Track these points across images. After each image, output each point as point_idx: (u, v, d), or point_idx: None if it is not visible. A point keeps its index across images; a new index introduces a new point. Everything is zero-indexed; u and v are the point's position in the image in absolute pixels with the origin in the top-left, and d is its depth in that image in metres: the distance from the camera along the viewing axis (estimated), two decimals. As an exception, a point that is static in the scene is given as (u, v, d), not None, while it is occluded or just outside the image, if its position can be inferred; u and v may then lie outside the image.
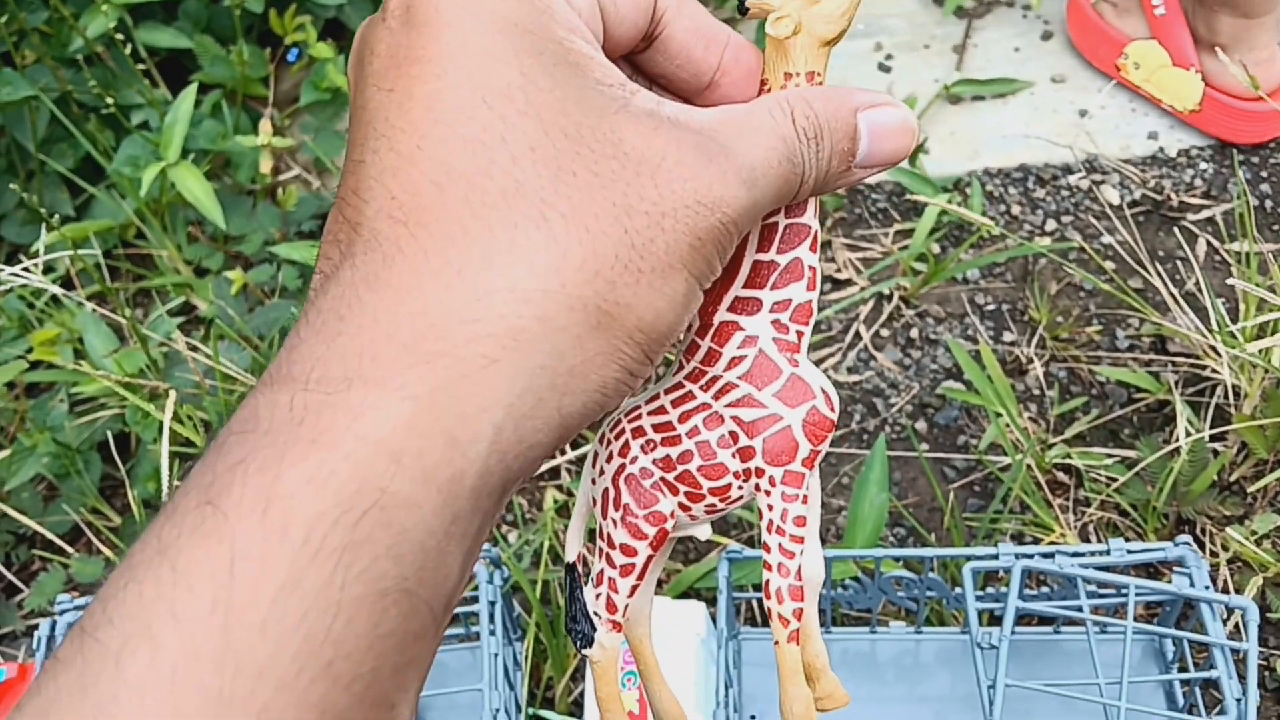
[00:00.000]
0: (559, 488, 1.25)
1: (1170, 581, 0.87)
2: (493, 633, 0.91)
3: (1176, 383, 1.22)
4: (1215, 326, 1.18)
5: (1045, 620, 1.03)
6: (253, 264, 1.44)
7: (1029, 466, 1.16)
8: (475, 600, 0.94)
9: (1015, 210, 1.42)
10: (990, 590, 0.98)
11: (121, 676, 0.27)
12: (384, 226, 0.32)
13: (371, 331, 0.31)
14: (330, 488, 0.29)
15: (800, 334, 0.39)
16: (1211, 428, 1.16)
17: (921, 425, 1.27)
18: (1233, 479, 1.15)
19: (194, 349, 1.20)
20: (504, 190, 0.32)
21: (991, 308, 1.35)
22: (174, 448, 1.16)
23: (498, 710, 0.87)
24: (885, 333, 1.36)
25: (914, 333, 1.35)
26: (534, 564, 1.16)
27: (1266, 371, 1.11)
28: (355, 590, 0.29)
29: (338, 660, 0.28)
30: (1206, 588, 0.85)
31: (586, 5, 0.35)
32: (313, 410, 0.30)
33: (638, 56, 0.39)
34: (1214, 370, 1.19)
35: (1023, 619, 1.04)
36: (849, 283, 1.40)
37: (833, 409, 0.38)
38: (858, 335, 1.35)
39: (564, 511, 1.23)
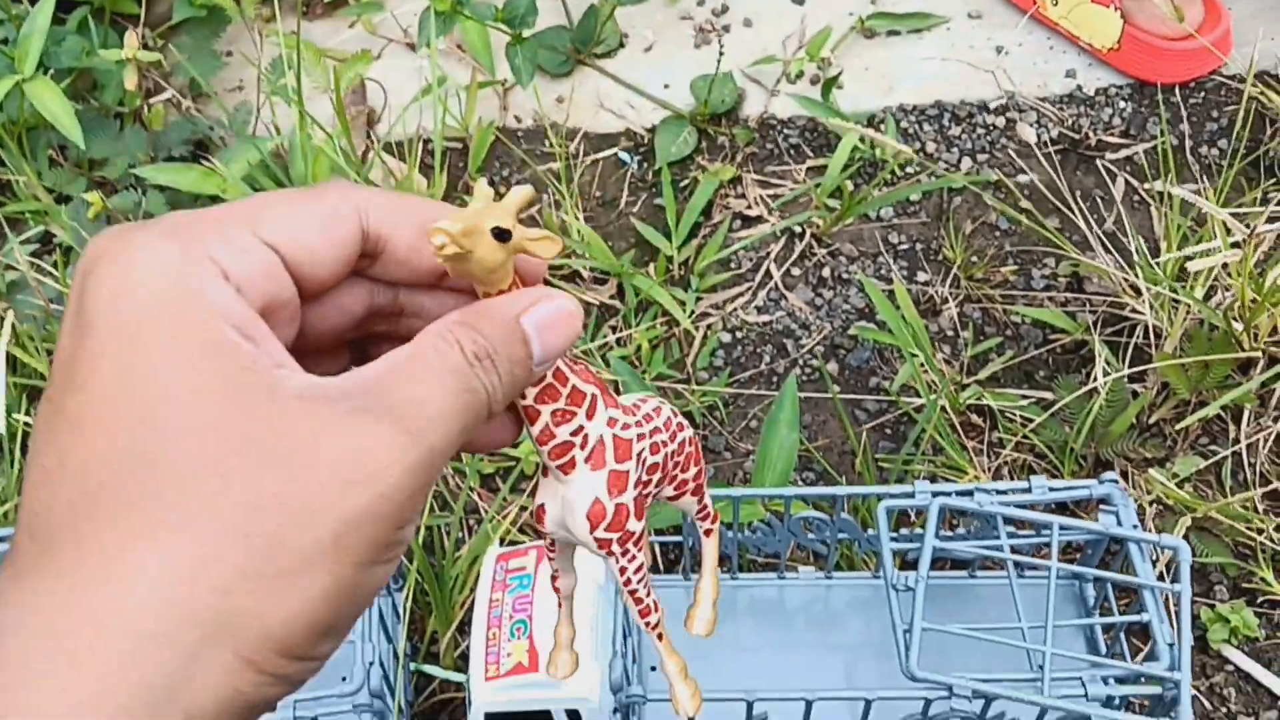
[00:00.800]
0: (449, 431, 1.17)
1: (1096, 522, 0.82)
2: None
3: (1094, 323, 1.18)
4: (1136, 262, 1.14)
5: (960, 565, 0.98)
6: (117, 189, 1.32)
7: (942, 408, 1.11)
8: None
9: (930, 148, 1.37)
10: (904, 532, 0.92)
11: None
12: (23, 541, 0.33)
13: None
14: None
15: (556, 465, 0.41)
16: (1130, 368, 1.12)
17: (833, 367, 1.21)
18: (1152, 421, 1.11)
19: (42, 272, 1.09)
20: (124, 508, 0.32)
21: (905, 247, 1.30)
22: (18, 379, 1.05)
23: (371, 663, 0.78)
24: (796, 272, 1.29)
25: (826, 272, 1.29)
26: (419, 510, 1.07)
27: (1189, 309, 1.07)
28: None
29: None
30: (1135, 526, 0.80)
31: (257, 268, 0.35)
32: None
33: (366, 271, 0.39)
34: (1133, 310, 1.15)
35: (937, 563, 0.99)
36: (760, 220, 1.33)
37: (540, 521, 0.43)
38: (768, 274, 1.29)
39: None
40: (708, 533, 0.51)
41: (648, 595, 0.46)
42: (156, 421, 0.32)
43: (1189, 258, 1.02)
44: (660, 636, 0.48)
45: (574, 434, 0.41)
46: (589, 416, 0.41)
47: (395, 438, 0.33)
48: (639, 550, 0.44)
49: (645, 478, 0.44)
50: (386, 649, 0.88)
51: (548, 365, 0.38)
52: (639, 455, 0.43)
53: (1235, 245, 0.95)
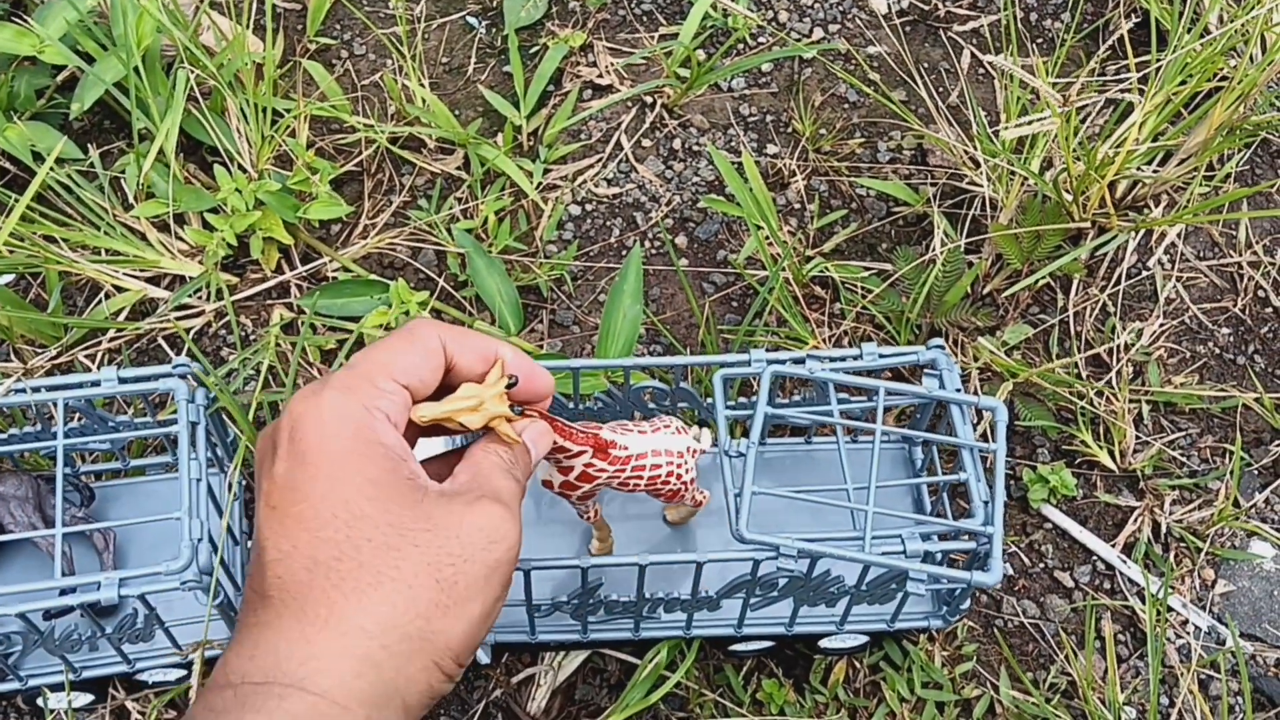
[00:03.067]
0: (288, 305, 1.14)
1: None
2: (194, 457, 0.80)
3: (935, 195, 1.20)
4: (975, 135, 1.15)
5: (799, 432, 1.00)
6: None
7: (786, 280, 1.12)
8: (175, 422, 0.82)
9: (783, 17, 1.35)
10: (743, 400, 0.94)
11: None
12: (275, 594, 0.52)
13: (275, 655, 0.50)
14: None
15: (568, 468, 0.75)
16: (967, 239, 1.14)
17: (682, 239, 1.21)
18: (986, 291, 1.14)
19: None
20: (351, 569, 0.52)
21: (756, 119, 1.29)
22: None
23: (200, 540, 0.77)
24: (647, 143, 1.27)
25: (676, 144, 1.27)
26: (255, 384, 1.05)
27: (1025, 181, 1.10)
28: None
29: None
30: (958, 390, 0.83)
31: (400, 405, 0.57)
32: (250, 697, 0.49)
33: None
34: (972, 182, 1.17)
35: (778, 430, 1.01)
36: (611, 89, 1.30)
37: (549, 487, 0.78)
38: (619, 145, 1.27)
39: (291, 329, 1.11)
40: (697, 505, 0.89)
41: (581, 514, 0.83)
42: (362, 519, 0.52)
43: (1023, 139, 1.04)
44: (593, 523, 0.86)
45: (554, 459, 0.73)
46: (568, 459, 0.72)
47: (505, 512, 0.55)
48: (579, 504, 0.80)
49: (607, 486, 0.77)
50: (218, 525, 0.86)
51: (541, 458, 0.65)
52: (598, 481, 0.75)
53: (1060, 113, 0.97)
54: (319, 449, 0.53)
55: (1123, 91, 1.18)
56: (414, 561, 0.52)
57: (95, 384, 0.84)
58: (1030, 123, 0.94)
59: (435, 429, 0.61)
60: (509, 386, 0.60)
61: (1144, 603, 1.00)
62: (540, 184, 1.23)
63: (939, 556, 0.82)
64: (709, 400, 0.90)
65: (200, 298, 1.13)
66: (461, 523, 0.54)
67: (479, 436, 0.63)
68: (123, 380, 0.84)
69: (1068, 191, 1.09)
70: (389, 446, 0.55)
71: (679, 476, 0.79)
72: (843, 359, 0.86)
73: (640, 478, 0.77)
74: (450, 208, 1.20)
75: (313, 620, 0.51)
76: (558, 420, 0.69)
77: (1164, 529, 1.04)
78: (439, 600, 0.52)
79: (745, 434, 1.01)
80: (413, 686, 0.52)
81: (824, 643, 0.93)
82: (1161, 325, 1.14)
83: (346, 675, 0.50)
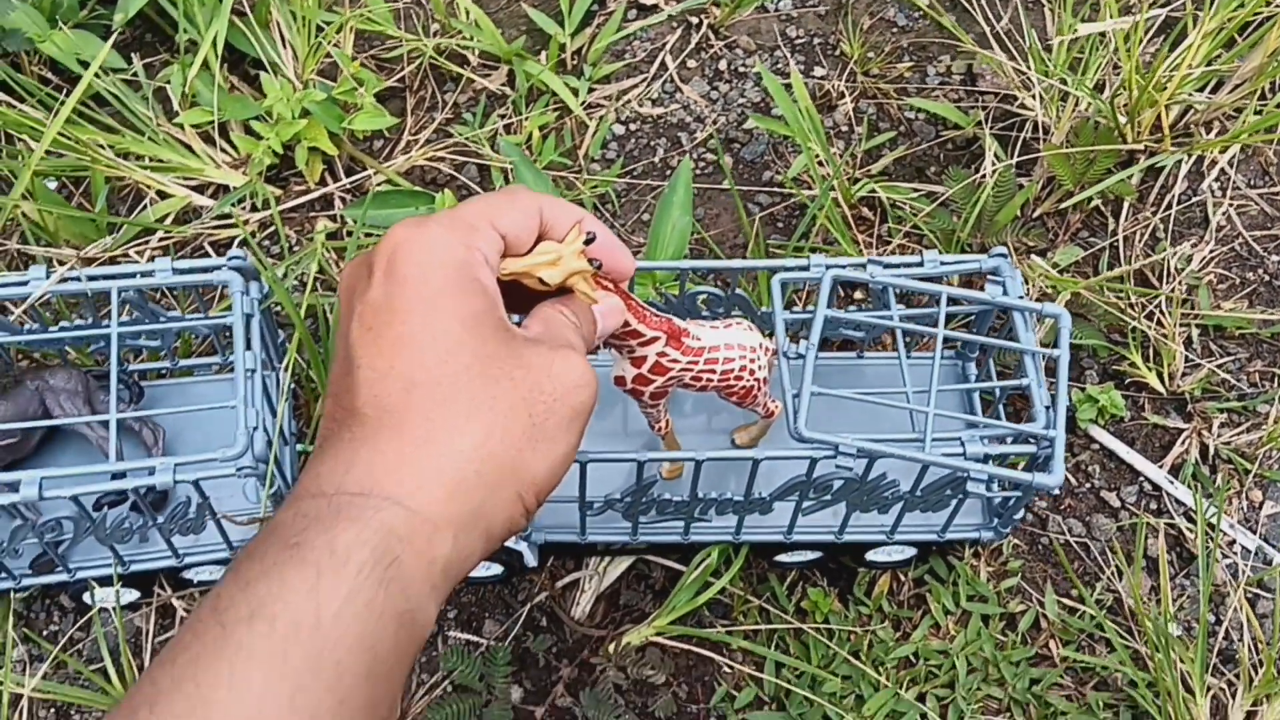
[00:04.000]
0: (332, 218, 1.13)
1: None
2: (248, 349, 0.80)
3: (986, 117, 1.18)
4: (1028, 53, 1.14)
5: (849, 347, 0.99)
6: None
7: (835, 199, 1.11)
8: (229, 315, 0.82)
9: (831, -60, 1.33)
10: (797, 310, 0.93)
11: (254, 631, 0.45)
12: (370, 412, 0.52)
13: (371, 469, 0.51)
14: (369, 546, 0.48)
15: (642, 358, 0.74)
16: (1018, 161, 1.13)
17: (728, 160, 1.20)
18: (1036, 214, 1.12)
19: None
20: (449, 393, 0.52)
21: (803, 41, 1.27)
22: None
23: (255, 429, 0.77)
24: (693, 64, 1.26)
25: (722, 64, 1.26)
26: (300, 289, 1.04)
27: (1077, 104, 1.08)
28: (387, 606, 0.48)
29: (377, 645, 0.47)
30: (1021, 297, 0.82)
31: (497, 251, 0.57)
32: (346, 506, 0.49)
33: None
34: (1023, 105, 1.16)
35: (826, 345, 1.00)
36: (655, 8, 1.29)
37: (620, 384, 0.77)
38: (664, 66, 1.26)
39: (335, 236, 1.11)
40: (768, 415, 0.86)
41: (654, 423, 0.83)
42: (460, 347, 0.53)
43: (1075, 61, 1.02)
44: (663, 436, 0.86)
45: (627, 349, 0.72)
46: (641, 346, 0.72)
47: (584, 362, 0.56)
48: (651, 405, 0.80)
49: (679, 383, 0.76)
50: (271, 422, 0.86)
51: (606, 334, 0.65)
52: (670, 373, 0.74)
53: (1127, 11, 0.95)
54: (420, 277, 0.53)
55: (1176, 13, 1.16)
56: (510, 395, 0.53)
57: (149, 274, 0.84)
58: (1101, 27, 0.93)
59: (513, 288, 0.61)
60: (587, 242, 0.60)
61: (1191, 523, 0.99)
62: (584, 102, 1.22)
63: (995, 459, 0.82)
64: (764, 308, 0.90)
65: (244, 208, 1.12)
66: (552, 365, 0.55)
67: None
68: (177, 271, 0.83)
69: (1123, 114, 1.07)
70: (486, 286, 0.55)
71: (752, 373, 0.78)
72: (902, 265, 0.85)
73: (713, 371, 0.76)
74: (494, 124, 1.20)
75: (411, 440, 0.51)
76: (633, 299, 0.68)
77: (1212, 451, 1.03)
78: (530, 435, 0.53)
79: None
80: (497, 515, 0.53)
81: (870, 555, 0.93)
82: (1212, 251, 1.13)
83: (440, 496, 0.51)
